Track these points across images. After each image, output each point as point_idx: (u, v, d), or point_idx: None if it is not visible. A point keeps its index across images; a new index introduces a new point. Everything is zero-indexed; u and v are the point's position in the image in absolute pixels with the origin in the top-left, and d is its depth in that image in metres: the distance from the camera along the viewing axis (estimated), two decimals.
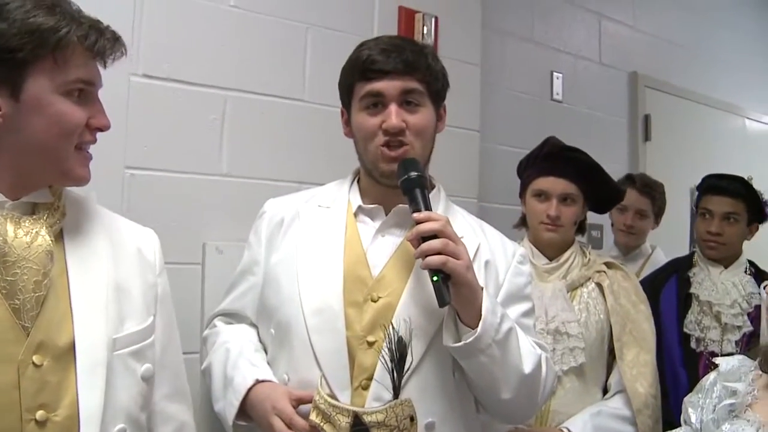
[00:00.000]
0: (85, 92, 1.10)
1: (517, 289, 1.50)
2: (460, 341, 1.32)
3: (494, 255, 1.49)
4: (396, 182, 1.39)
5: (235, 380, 1.39)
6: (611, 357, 1.93)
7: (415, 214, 1.34)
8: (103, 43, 1.09)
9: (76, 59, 1.07)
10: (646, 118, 3.53)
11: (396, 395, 1.25)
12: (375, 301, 1.39)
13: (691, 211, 2.86)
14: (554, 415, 1.85)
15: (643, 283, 2.19)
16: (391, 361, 1.23)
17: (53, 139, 1.08)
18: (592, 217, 2.13)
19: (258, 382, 1.37)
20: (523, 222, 2.07)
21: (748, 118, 4.33)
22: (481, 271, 1.43)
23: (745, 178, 2.41)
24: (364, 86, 1.43)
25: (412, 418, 1.26)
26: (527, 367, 1.38)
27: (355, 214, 1.48)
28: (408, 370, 1.26)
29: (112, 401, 1.10)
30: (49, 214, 1.11)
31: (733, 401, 1.35)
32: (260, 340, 1.51)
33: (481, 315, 1.30)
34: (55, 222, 1.12)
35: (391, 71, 1.40)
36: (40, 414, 1.04)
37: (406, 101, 1.42)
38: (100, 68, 1.13)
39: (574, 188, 1.95)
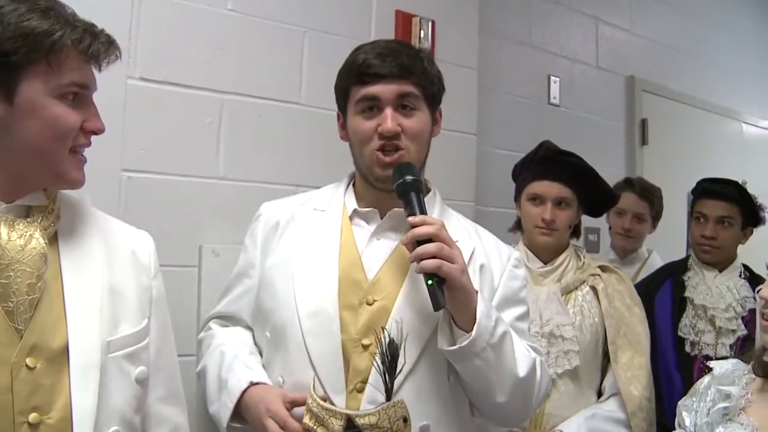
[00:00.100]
0: (80, 95, 1.11)
1: (512, 293, 1.51)
2: (455, 345, 1.32)
3: (489, 259, 1.49)
4: (391, 186, 1.39)
5: (230, 383, 1.39)
6: (606, 360, 1.93)
7: (411, 218, 1.34)
8: (97, 46, 1.09)
9: (70, 63, 1.08)
10: (643, 122, 3.54)
11: (389, 398, 1.25)
12: (370, 305, 1.38)
13: (688, 215, 2.86)
14: (549, 417, 1.85)
15: (637, 286, 2.19)
16: (383, 363, 1.23)
17: (47, 142, 1.08)
18: (589, 221, 2.14)
19: (252, 384, 1.37)
20: (518, 226, 2.08)
21: (745, 122, 4.34)
22: (476, 274, 1.43)
23: (740, 182, 2.41)
24: (359, 90, 1.43)
25: (405, 419, 1.26)
26: (522, 371, 1.38)
27: (351, 218, 1.49)
28: (401, 372, 1.26)
29: (106, 404, 1.10)
30: (44, 217, 1.11)
31: (727, 405, 1.35)
32: (255, 343, 1.51)
33: (475, 319, 1.30)
34: (50, 225, 1.12)
35: (387, 75, 1.40)
36: (33, 416, 1.04)
37: (402, 105, 1.42)
38: (95, 72, 1.14)
39: (569, 192, 1.96)
